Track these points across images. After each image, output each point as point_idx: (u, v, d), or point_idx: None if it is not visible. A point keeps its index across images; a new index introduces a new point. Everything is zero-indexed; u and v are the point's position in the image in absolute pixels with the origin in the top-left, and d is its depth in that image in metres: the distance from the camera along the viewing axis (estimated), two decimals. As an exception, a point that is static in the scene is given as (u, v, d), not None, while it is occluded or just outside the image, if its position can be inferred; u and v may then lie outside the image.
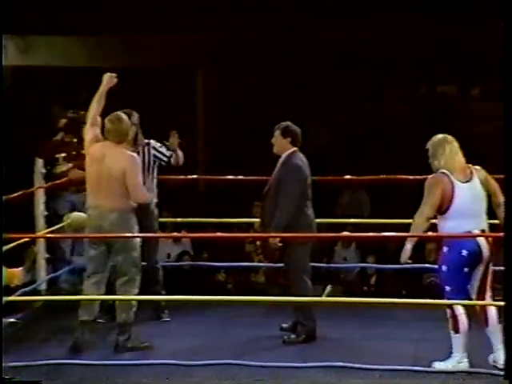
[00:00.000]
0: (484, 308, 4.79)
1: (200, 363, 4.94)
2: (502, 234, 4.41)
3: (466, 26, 9.64)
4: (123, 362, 5.01)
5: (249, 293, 6.78)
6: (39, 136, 6.86)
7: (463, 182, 4.83)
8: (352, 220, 7.44)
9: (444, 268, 4.81)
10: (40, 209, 6.22)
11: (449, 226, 4.81)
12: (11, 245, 5.55)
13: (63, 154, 6.43)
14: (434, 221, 4.93)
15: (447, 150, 4.86)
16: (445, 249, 4.82)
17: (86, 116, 6.35)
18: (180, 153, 5.82)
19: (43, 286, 6.29)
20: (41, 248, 6.30)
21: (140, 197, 5.17)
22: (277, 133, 5.44)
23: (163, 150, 5.79)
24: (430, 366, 4.85)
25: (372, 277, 8.13)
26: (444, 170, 4.84)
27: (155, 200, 5.77)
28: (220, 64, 10.88)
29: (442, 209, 4.80)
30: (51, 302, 5.89)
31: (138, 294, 5.24)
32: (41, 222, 6.22)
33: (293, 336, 5.34)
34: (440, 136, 4.97)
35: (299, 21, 9.82)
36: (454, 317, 4.79)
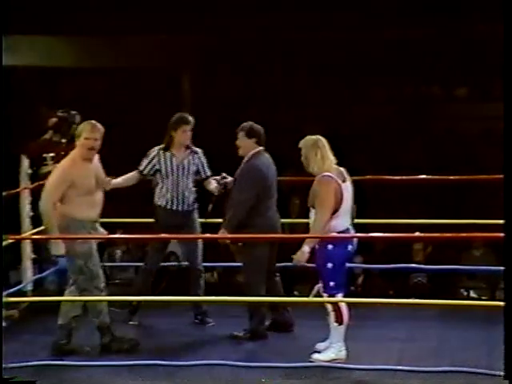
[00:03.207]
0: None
1: (186, 364, 4.93)
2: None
3: (452, 27, 9.68)
4: (109, 362, 4.99)
5: (234, 292, 6.78)
6: (23, 136, 6.82)
7: (343, 182, 4.99)
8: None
9: (329, 265, 4.94)
10: (25, 209, 6.19)
11: (334, 224, 4.94)
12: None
13: (51, 154, 6.40)
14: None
15: (318, 155, 4.99)
16: (330, 246, 4.93)
17: (76, 117, 6.29)
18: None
19: (29, 287, 6.26)
20: (27, 249, 6.27)
21: (41, 202, 5.12)
22: (241, 134, 5.44)
23: (206, 167, 5.77)
24: (414, 366, 4.86)
25: (359, 277, 8.13)
26: (328, 173, 4.95)
27: (196, 205, 5.77)
28: (207, 65, 10.87)
29: (334, 209, 4.93)
30: (37, 302, 5.86)
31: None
32: (26, 222, 6.19)
33: (240, 333, 5.39)
34: (311, 140, 5.06)
35: (287, 21, 9.83)
36: (338, 310, 4.95)
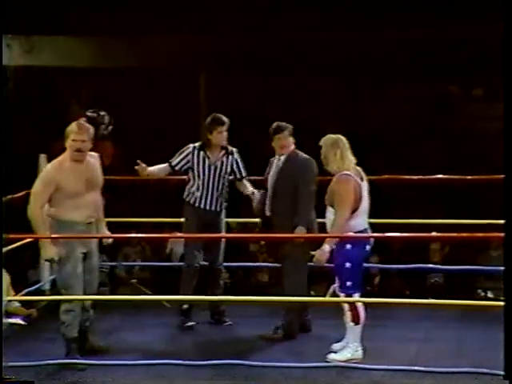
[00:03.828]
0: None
1: (201, 363, 4.95)
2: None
3: (469, 26, 9.64)
4: (128, 362, 5.01)
5: (252, 292, 6.80)
6: (43, 135, 6.86)
7: (361, 181, 4.99)
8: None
9: (348, 265, 4.93)
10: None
11: (354, 223, 4.94)
12: (14, 245, 5.57)
13: None
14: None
15: (338, 155, 4.99)
16: (348, 246, 4.92)
17: (105, 117, 6.28)
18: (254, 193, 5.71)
19: (47, 286, 6.30)
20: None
21: (29, 206, 4.97)
22: (286, 133, 5.46)
23: (241, 168, 5.77)
24: (431, 366, 4.85)
25: (376, 277, 8.13)
26: (347, 172, 4.95)
27: (224, 205, 5.78)
28: (223, 65, 10.89)
29: (353, 208, 4.92)
30: (55, 301, 5.90)
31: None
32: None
33: (270, 332, 5.39)
34: (331, 139, 5.06)
35: (301, 20, 9.82)
36: (355, 309, 4.94)
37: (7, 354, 4.90)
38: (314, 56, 10.50)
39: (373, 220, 5.19)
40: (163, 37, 10.37)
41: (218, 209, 5.76)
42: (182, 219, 5.83)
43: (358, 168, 5.07)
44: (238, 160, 5.77)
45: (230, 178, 5.77)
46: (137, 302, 5.93)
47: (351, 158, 5.03)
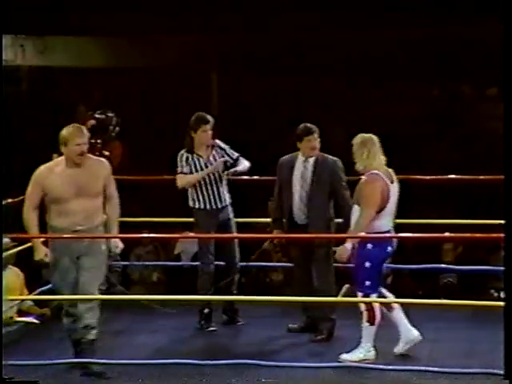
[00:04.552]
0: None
1: (214, 363, 4.95)
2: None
3: (482, 26, 9.61)
4: (141, 361, 5.02)
5: (265, 292, 6.79)
6: (56, 136, 6.88)
7: (391, 183, 4.98)
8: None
9: (368, 264, 4.93)
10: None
11: (379, 224, 4.94)
12: (28, 244, 5.59)
13: None
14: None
15: (365, 154, 4.98)
16: (369, 246, 4.91)
17: (113, 118, 6.27)
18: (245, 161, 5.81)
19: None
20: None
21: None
22: (316, 135, 5.45)
23: (231, 151, 5.78)
24: (443, 367, 4.84)
25: (388, 277, 8.11)
26: (376, 171, 4.93)
27: (229, 201, 5.80)
28: (235, 65, 10.89)
29: (379, 209, 4.90)
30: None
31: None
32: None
33: (319, 337, 5.36)
34: (360, 138, 5.06)
35: (312, 20, 9.80)
36: (371, 309, 4.93)
37: (20, 353, 4.96)
38: (314, 56, 10.48)
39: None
40: (176, 37, 10.38)
41: (227, 203, 5.77)
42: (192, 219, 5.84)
43: (390, 170, 5.05)
44: (225, 147, 5.78)
45: (227, 166, 5.73)
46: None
47: (381, 158, 5.01)
